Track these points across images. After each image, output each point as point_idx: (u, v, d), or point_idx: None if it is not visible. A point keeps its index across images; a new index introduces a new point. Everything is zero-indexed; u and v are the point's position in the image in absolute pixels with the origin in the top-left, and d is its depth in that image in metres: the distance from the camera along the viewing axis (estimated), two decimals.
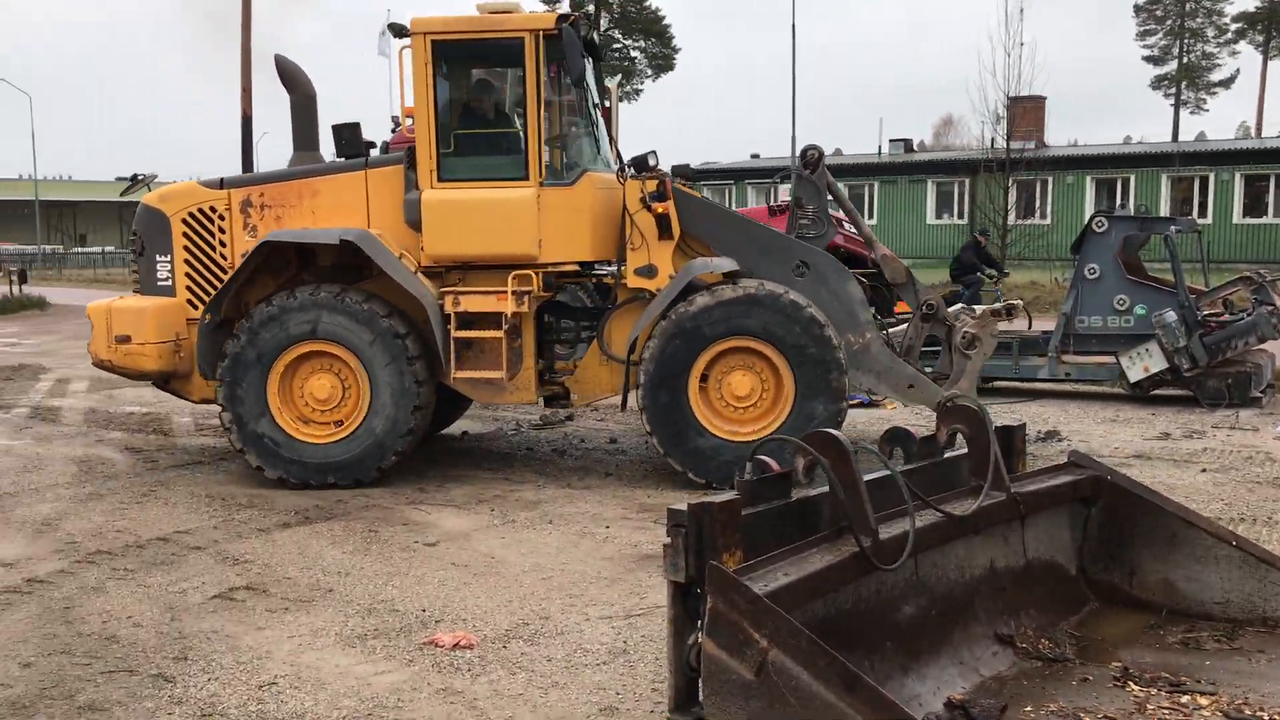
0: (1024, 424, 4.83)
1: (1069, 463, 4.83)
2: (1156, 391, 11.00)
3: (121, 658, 4.56)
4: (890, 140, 47.38)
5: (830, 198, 8.72)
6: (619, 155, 8.39)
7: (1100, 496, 4.70)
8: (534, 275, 7.70)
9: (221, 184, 8.33)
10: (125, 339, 8.02)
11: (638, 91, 55.33)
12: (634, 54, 54.50)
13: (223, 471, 8.30)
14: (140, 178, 9.24)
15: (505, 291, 7.61)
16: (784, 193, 41.35)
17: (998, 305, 12.15)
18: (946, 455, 4.40)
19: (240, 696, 4.14)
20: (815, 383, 7.39)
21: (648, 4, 52.52)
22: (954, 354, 8.06)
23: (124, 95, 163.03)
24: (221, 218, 8.19)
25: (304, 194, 8.10)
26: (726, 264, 7.77)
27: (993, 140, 33.35)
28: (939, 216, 41.78)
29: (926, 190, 42.26)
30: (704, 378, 7.58)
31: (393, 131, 16.25)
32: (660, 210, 7.63)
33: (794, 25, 42.51)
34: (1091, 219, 11.31)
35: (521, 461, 8.75)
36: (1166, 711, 3.58)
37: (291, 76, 8.81)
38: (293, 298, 7.57)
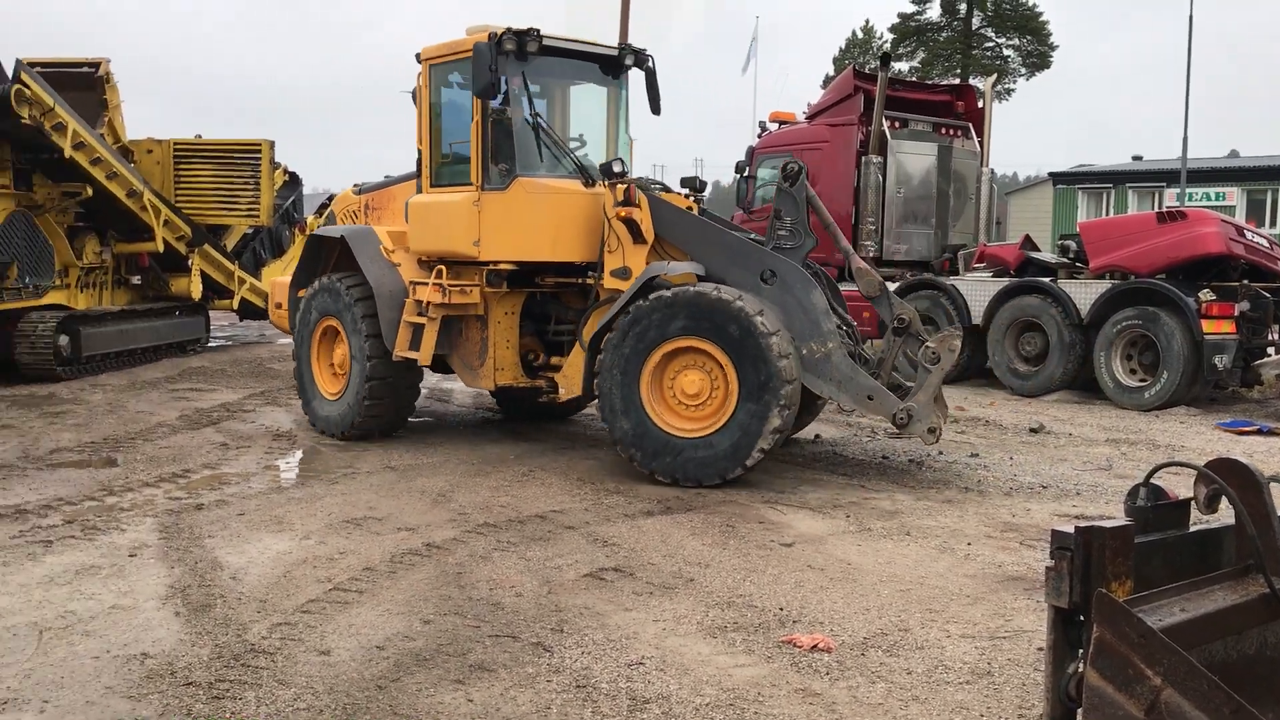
0: None
1: None
2: None
3: (506, 623, 4.95)
4: None
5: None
6: (618, 160, 8.67)
7: None
8: (479, 271, 8.75)
9: (358, 190, 10.85)
10: (279, 305, 11.12)
11: (1009, 91, 53.05)
12: (1007, 52, 52.29)
13: (592, 458, 8.80)
14: None
15: (440, 284, 8.73)
16: (1170, 197, 38.23)
17: None
18: None
19: (611, 672, 4.37)
20: (754, 378, 7.49)
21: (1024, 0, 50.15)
22: (918, 369, 7.83)
23: None
24: (357, 215, 10.73)
25: (393, 198, 10.18)
26: (689, 267, 8.08)
27: None
28: None
29: None
30: (665, 375, 7.92)
31: (758, 136, 16.61)
32: (624, 215, 8.23)
33: (1190, 14, 39.05)
34: None
35: (876, 469, 8.65)
36: None
37: None
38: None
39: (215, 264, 17.37)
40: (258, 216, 17.80)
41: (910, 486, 7.98)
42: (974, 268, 14.07)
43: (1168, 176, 35.70)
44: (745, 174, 16.04)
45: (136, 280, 16.01)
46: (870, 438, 10.02)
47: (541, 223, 8.56)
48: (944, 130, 15.34)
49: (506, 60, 8.34)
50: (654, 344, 7.80)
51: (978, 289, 13.39)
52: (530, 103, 8.58)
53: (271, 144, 18.22)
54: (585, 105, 9.58)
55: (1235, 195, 40.46)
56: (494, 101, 8.42)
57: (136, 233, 15.29)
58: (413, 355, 8.90)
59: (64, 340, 13.16)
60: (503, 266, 8.72)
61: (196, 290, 16.66)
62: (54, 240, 13.78)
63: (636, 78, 9.31)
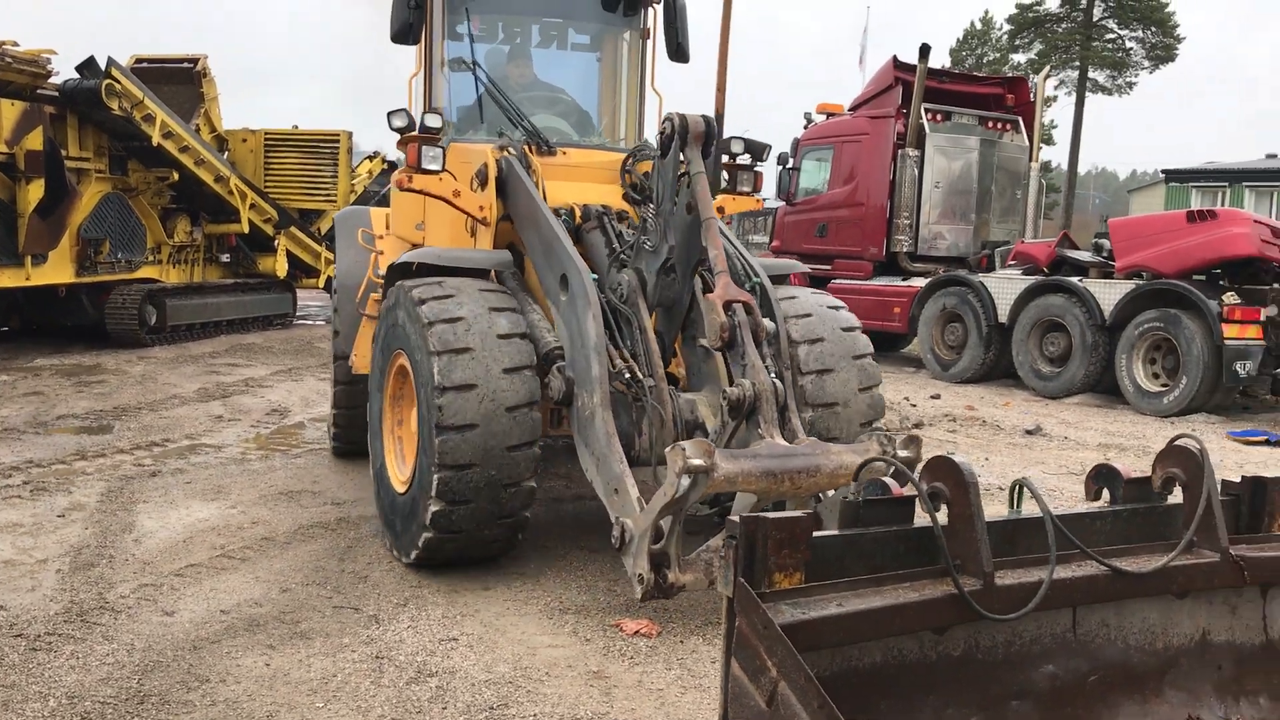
0: None
1: None
2: None
3: (359, 596, 5.10)
4: None
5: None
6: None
7: None
8: None
9: None
10: None
11: (1130, 85, 51.21)
12: (1130, 44, 50.49)
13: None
14: None
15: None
16: None
17: None
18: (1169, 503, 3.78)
19: (419, 647, 4.48)
20: (422, 424, 5.16)
21: None
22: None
23: None
24: None
25: None
26: (476, 255, 5.94)
27: None
28: None
29: None
30: (404, 402, 5.84)
31: (804, 127, 16.47)
32: (403, 184, 6.13)
33: None
34: None
35: None
36: None
37: None
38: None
39: (302, 245, 18.59)
40: (335, 201, 19.00)
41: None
42: (1009, 264, 13.71)
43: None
44: (789, 165, 15.95)
45: (225, 258, 17.54)
46: None
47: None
48: (991, 124, 14.98)
49: None
50: (387, 354, 5.77)
51: (1005, 286, 13.05)
52: (471, 48, 6.77)
53: (350, 134, 19.67)
54: (582, 56, 7.55)
55: None
56: (463, 52, 6.78)
57: (225, 215, 16.68)
58: (354, 362, 7.29)
59: (150, 310, 14.54)
60: None
61: (282, 269, 18.00)
62: (147, 220, 15.19)
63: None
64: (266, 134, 18.93)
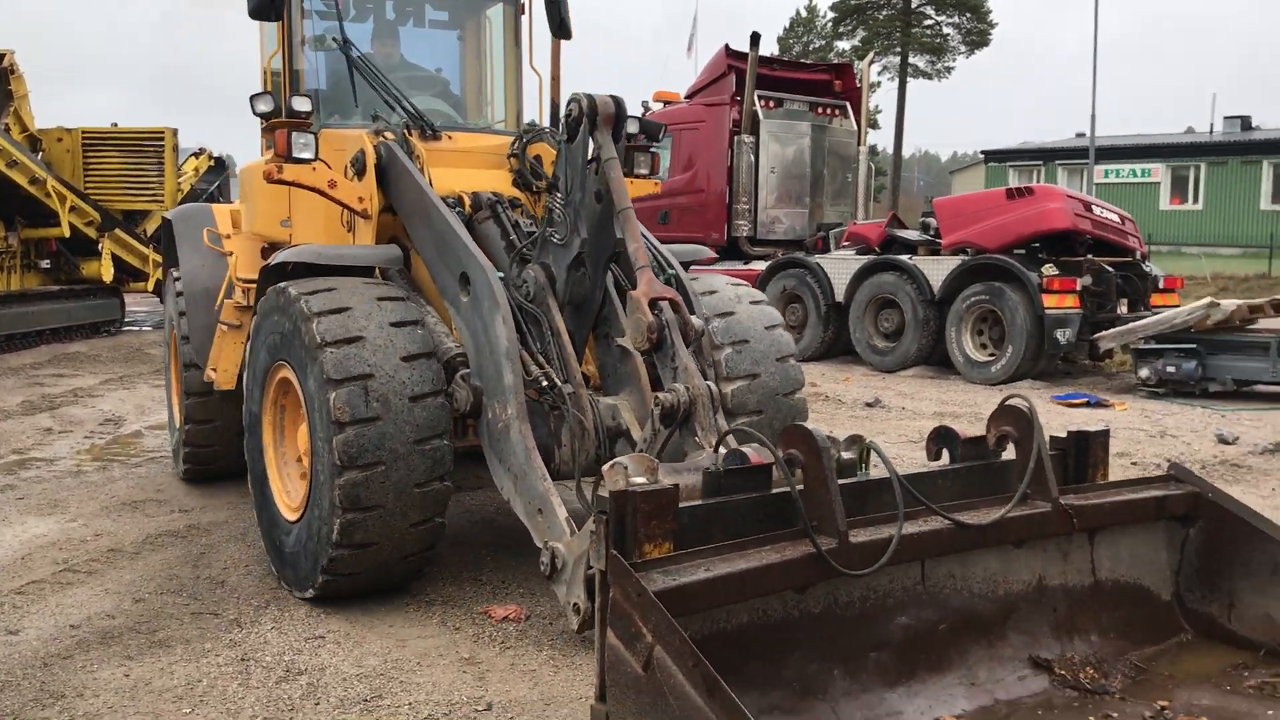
0: (1107, 430, 4.31)
1: (1167, 475, 4.29)
2: None
3: (217, 602, 4.99)
4: (1225, 117, 43.29)
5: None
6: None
7: (1200, 516, 4.16)
8: None
9: None
10: None
11: (949, 69, 53.43)
12: (947, 30, 52.68)
13: None
14: None
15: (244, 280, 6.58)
16: (1099, 174, 38.65)
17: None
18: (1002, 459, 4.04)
19: (285, 646, 4.41)
20: (318, 444, 4.62)
21: None
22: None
23: None
24: None
25: None
26: (363, 253, 5.36)
27: None
28: (1275, 201, 37.72)
29: (1262, 172, 38.26)
30: (290, 418, 5.29)
31: (642, 115, 16.63)
32: (273, 175, 5.44)
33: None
34: None
35: None
36: None
37: None
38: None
39: (128, 248, 17.72)
40: (162, 201, 18.30)
41: None
42: (842, 246, 14.21)
43: (1101, 154, 36.16)
44: None
45: (46, 264, 16.66)
46: None
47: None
48: (820, 109, 15.45)
49: None
50: (266, 366, 5.19)
51: (840, 267, 13.54)
52: (341, 25, 6.08)
53: (174, 131, 18.91)
54: (444, 34, 7.08)
55: (1160, 171, 41.06)
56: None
57: (43, 218, 15.83)
58: (212, 377, 6.63)
59: None
60: None
61: (108, 273, 17.23)
62: None
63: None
64: (84, 132, 18.06)
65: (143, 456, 8.23)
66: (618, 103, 4.73)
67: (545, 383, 4.67)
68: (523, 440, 4.34)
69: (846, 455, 4.14)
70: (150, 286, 18.62)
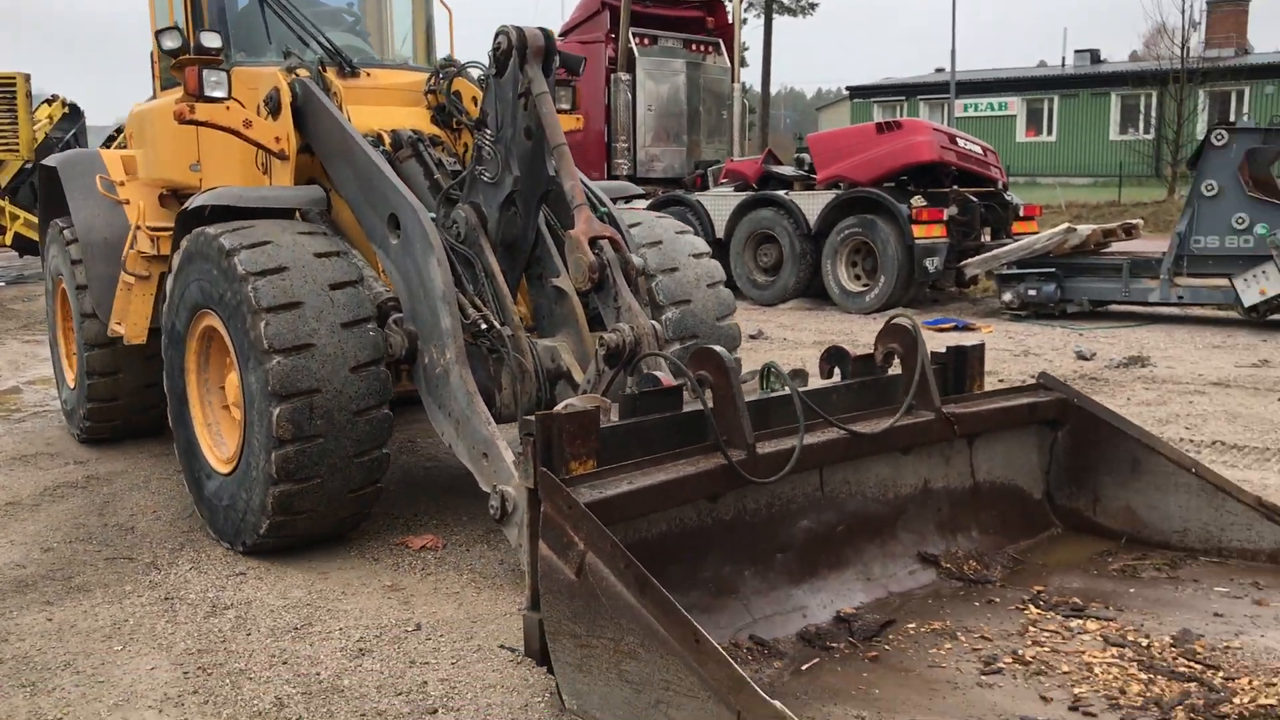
0: (982, 344, 4.69)
1: (1036, 384, 4.69)
2: (1276, 316, 10.29)
3: (129, 547, 5.01)
4: (1075, 51, 44.96)
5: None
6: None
7: (1067, 420, 4.56)
8: None
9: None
10: None
11: (812, 6, 53.96)
12: None
13: None
14: None
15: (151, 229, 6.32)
16: (959, 108, 39.81)
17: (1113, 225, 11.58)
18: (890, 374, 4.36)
19: (208, 585, 4.50)
20: (252, 395, 4.54)
21: None
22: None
23: None
24: None
25: None
26: (287, 194, 5.22)
27: (1184, 48, 31.42)
28: (1124, 132, 39.49)
29: (1110, 104, 39.95)
30: (215, 365, 5.17)
31: None
32: (183, 115, 5.18)
33: None
34: (1210, 132, 10.57)
35: None
36: (1049, 634, 3.51)
37: None
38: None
39: None
40: (17, 150, 17.60)
41: None
42: (721, 183, 14.49)
43: (960, 88, 37.14)
44: None
45: None
46: None
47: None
48: (694, 47, 15.63)
49: None
50: (190, 314, 5.04)
51: (720, 203, 13.83)
52: None
53: (27, 77, 18.20)
54: None
55: (1016, 105, 42.48)
56: None
57: None
58: (118, 331, 6.37)
59: None
60: None
61: None
62: None
63: None
64: None
65: (25, 411, 8.06)
66: (547, 35, 4.61)
67: (484, 325, 4.60)
68: (464, 385, 4.30)
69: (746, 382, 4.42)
70: (9, 240, 17.87)
